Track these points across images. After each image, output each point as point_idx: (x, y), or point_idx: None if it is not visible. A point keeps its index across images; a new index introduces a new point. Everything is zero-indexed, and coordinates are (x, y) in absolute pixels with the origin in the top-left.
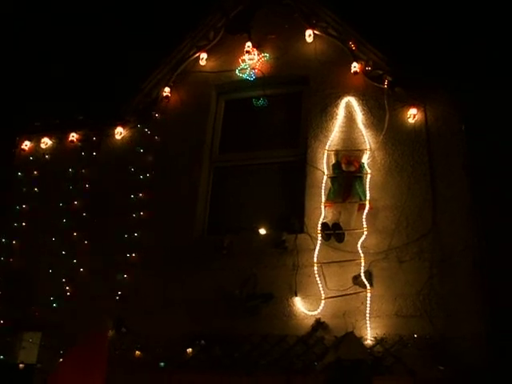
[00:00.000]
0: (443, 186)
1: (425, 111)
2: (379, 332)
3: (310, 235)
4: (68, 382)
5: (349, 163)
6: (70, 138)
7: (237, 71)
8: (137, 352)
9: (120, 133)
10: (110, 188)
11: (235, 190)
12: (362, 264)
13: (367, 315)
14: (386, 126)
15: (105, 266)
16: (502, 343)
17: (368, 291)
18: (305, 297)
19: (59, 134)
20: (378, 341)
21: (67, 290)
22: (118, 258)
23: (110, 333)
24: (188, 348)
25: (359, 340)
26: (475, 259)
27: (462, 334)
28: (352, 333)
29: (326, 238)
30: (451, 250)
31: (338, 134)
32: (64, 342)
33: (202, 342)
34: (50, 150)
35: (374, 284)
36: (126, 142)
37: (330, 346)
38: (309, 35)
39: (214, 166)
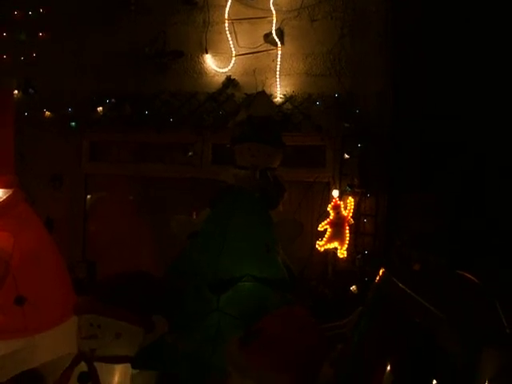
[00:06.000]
0: None
1: None
2: (289, 90)
3: None
4: None
5: None
6: None
7: None
8: (47, 113)
9: None
10: None
11: None
12: (274, 22)
13: (277, 73)
14: None
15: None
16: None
17: (279, 49)
18: (215, 54)
19: None
20: (288, 98)
21: None
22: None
23: (17, 94)
24: (98, 107)
25: (269, 98)
26: (386, 21)
27: (369, 93)
28: (263, 92)
29: None
30: (363, 11)
31: None
32: None
33: (112, 100)
34: None
35: (286, 42)
36: None
37: (241, 104)
38: None
39: None
